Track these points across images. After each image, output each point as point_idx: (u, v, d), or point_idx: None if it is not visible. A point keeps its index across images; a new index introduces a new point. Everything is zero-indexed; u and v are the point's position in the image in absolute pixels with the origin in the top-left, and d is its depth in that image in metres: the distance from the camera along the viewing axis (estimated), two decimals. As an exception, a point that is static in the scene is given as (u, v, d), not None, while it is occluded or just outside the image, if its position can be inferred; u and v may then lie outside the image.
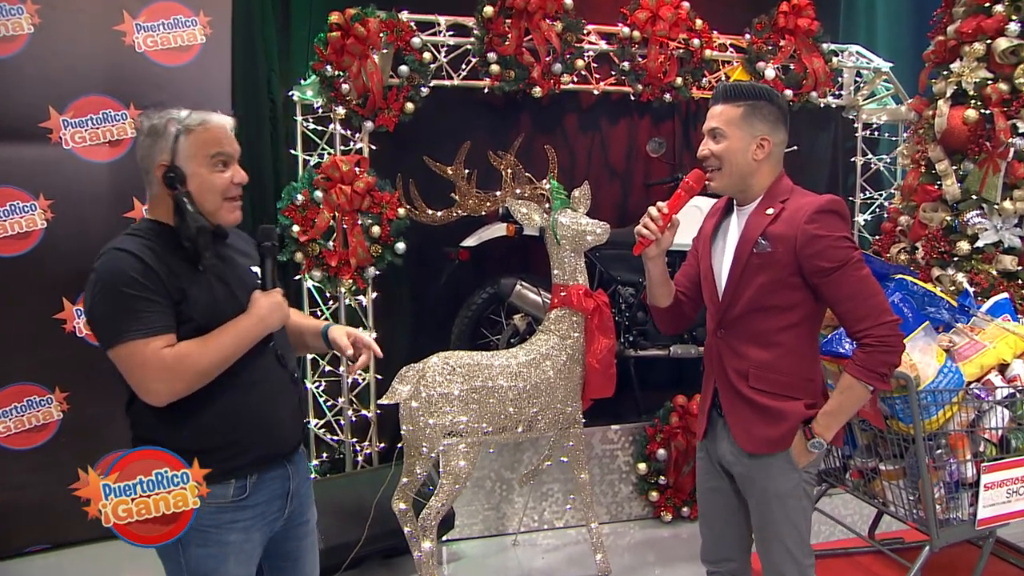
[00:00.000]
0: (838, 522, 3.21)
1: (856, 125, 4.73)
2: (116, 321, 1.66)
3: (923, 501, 2.57)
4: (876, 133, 4.81)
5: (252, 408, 1.80)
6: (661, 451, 3.78)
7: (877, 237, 4.35)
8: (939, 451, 2.59)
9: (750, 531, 2.25)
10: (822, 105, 4.46)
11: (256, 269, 1.92)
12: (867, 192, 4.81)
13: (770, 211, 2.06)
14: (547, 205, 3.24)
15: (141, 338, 1.65)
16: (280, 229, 3.65)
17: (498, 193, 3.37)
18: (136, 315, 1.65)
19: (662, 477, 3.82)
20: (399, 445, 3.03)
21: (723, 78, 4.30)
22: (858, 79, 4.63)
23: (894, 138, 4.79)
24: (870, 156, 4.79)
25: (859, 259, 2.00)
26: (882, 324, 1.98)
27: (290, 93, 3.81)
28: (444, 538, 3.56)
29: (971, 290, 3.41)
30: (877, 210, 4.78)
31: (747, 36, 4.31)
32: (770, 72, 4.21)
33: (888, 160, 4.79)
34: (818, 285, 2.02)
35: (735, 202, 2.19)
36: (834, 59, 4.38)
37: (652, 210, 2.12)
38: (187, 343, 1.70)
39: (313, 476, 3.91)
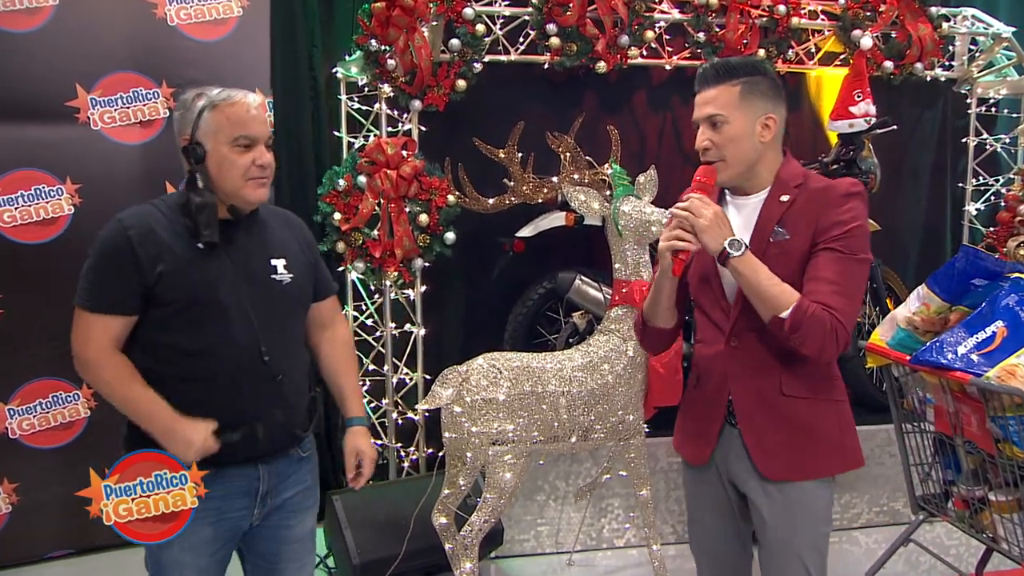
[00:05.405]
0: (938, 557, 2.84)
1: (969, 101, 4.37)
2: (83, 282, 1.81)
3: (1046, 543, 2.24)
4: (993, 110, 4.44)
5: (217, 405, 1.82)
6: (736, 467, 3.43)
7: (992, 229, 4.19)
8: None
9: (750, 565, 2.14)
10: (928, 78, 4.14)
11: (276, 262, 1.94)
12: (981, 178, 4.46)
13: (785, 198, 1.90)
14: (608, 192, 3.06)
15: (89, 310, 1.79)
16: (322, 217, 3.51)
17: (555, 179, 3.22)
18: (98, 285, 1.80)
19: (736, 495, 3.47)
20: (440, 453, 2.90)
21: (813, 50, 3.98)
22: (973, 47, 4.26)
23: (1015, 115, 4.41)
24: (985, 136, 4.44)
25: (867, 261, 1.86)
26: (841, 321, 1.77)
27: (334, 70, 3.64)
28: (492, 555, 3.38)
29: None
30: (992, 198, 4.44)
31: (841, 1, 3.94)
32: (867, 41, 3.84)
33: (1007, 140, 4.44)
34: (813, 253, 1.84)
35: (728, 193, 1.99)
36: (944, 24, 4.03)
37: (680, 214, 1.83)
38: (118, 366, 1.80)
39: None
